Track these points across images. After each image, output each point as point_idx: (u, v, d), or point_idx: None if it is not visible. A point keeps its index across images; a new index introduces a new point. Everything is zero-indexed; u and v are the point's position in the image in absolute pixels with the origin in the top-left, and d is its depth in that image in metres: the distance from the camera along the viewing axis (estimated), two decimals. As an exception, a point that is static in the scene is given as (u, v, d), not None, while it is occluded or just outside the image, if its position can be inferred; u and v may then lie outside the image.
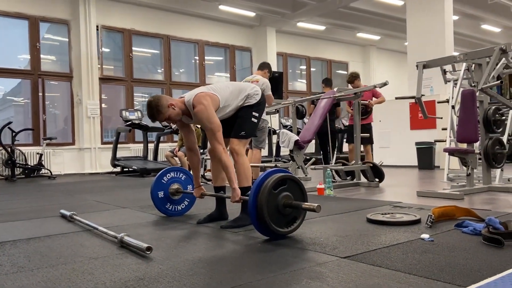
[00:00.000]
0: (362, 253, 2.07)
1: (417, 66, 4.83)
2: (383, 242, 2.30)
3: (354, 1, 10.93)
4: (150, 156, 10.03)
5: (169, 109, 2.83)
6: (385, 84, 5.49)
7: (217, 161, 3.12)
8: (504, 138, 5.19)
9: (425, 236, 2.35)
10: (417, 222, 2.79)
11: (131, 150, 10.43)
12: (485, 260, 1.90)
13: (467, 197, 4.17)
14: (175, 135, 10.41)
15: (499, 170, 4.96)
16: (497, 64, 4.81)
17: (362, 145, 6.59)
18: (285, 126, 10.80)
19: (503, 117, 4.61)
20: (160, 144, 10.21)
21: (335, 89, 5.58)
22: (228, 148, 3.01)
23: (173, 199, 3.45)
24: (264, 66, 5.69)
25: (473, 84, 6.15)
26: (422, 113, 4.98)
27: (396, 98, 5.95)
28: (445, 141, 6.28)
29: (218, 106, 2.89)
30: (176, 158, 7.40)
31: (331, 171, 4.63)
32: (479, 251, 2.06)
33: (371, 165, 5.41)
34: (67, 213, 3.40)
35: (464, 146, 4.93)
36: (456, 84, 6.24)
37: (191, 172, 3.41)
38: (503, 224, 2.31)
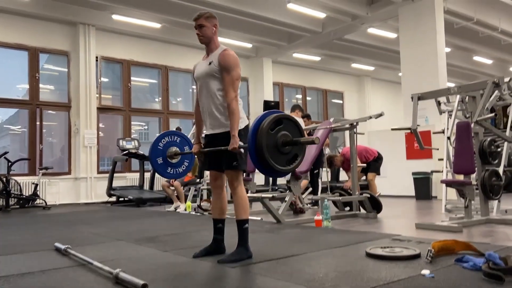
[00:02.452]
0: (362, 291, 2.05)
1: (412, 98, 4.90)
2: (383, 278, 2.27)
3: (348, 34, 11.16)
4: (146, 186, 9.97)
5: (213, 28, 2.97)
6: (380, 115, 5.56)
7: (218, 193, 3.11)
8: (500, 169, 5.21)
9: (426, 272, 2.33)
10: (417, 256, 2.76)
11: (127, 179, 10.37)
12: (487, 298, 1.88)
13: (466, 230, 4.15)
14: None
15: (496, 201, 4.96)
16: (490, 97, 4.89)
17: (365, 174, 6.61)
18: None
19: (499, 149, 4.64)
20: (156, 173, 10.16)
21: (331, 120, 5.63)
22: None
23: (173, 163, 3.47)
24: (295, 107, 6.58)
25: (467, 116, 6.23)
26: (418, 144, 5.02)
27: (392, 129, 6.01)
28: (441, 171, 6.31)
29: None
30: (172, 188, 7.35)
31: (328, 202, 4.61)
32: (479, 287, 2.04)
33: (369, 196, 5.40)
34: (62, 246, 3.35)
35: (461, 177, 4.94)
36: (451, 115, 6.32)
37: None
38: (503, 259, 2.30)
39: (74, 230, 4.91)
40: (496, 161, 4.71)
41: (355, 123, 5.36)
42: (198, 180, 7.48)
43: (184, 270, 2.72)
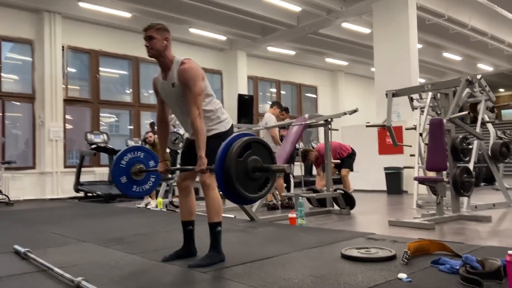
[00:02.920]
0: (339, 298, 1.96)
1: (386, 94, 4.88)
2: (360, 283, 2.19)
3: (323, 28, 11.13)
4: (116, 181, 9.68)
5: (164, 41, 2.75)
6: (355, 111, 5.53)
7: (185, 193, 2.97)
8: (471, 166, 5.28)
9: (403, 276, 2.27)
10: (392, 258, 2.71)
11: (95, 174, 10.05)
12: (466, 305, 1.83)
13: (438, 226, 4.17)
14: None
15: (466, 197, 5.01)
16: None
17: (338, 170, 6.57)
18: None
19: (470, 146, 4.68)
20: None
21: (306, 115, 5.56)
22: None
23: (138, 180, 3.26)
24: (273, 104, 6.58)
25: (438, 112, 6.30)
26: (392, 141, 5.01)
27: (367, 126, 6.02)
28: (413, 167, 6.36)
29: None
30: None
31: (302, 199, 4.54)
32: (458, 293, 1.99)
33: (343, 192, 5.37)
34: (22, 249, 3.13)
35: (432, 174, 4.97)
36: (423, 111, 6.36)
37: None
38: (480, 262, 2.26)
39: (37, 229, 4.66)
40: (467, 158, 4.74)
41: (329, 119, 5.30)
42: (169, 175, 7.29)
43: (153, 276, 2.58)
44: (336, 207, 5.54)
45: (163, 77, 2.83)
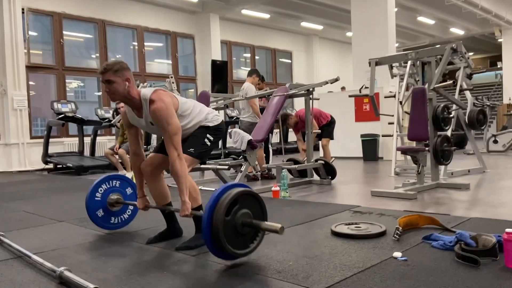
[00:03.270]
0: (340, 282, 1.90)
1: (369, 63, 4.77)
2: (356, 263, 2.14)
3: (299, -10, 10.81)
4: (87, 152, 9.36)
5: (126, 82, 2.48)
6: (336, 80, 5.42)
7: (153, 179, 2.79)
8: (448, 133, 5.31)
9: (398, 254, 2.23)
10: (383, 234, 2.68)
11: (64, 145, 9.68)
12: (467, 285, 1.80)
13: (419, 196, 4.19)
14: (115, 128, 9.80)
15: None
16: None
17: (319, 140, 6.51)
18: (231, 117, 10.55)
19: (451, 115, 4.68)
20: (98, 138, 9.56)
21: (287, 85, 5.40)
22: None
23: (116, 211, 3.10)
24: (252, 72, 6.37)
25: (417, 79, 6.28)
26: (374, 111, 4.94)
27: (350, 96, 5.95)
28: (392, 135, 6.37)
29: (176, 111, 2.58)
30: (117, 156, 6.90)
31: (286, 172, 4.46)
32: (456, 273, 1.96)
33: (324, 163, 5.32)
34: (-7, 233, 2.94)
35: (412, 144, 4.98)
36: (402, 78, 6.32)
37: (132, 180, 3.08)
38: (474, 238, 2.24)
39: (7, 208, 4.42)
40: (448, 127, 4.75)
41: (311, 89, 5.18)
42: (145, 146, 7.07)
43: (139, 260, 2.46)
44: (316, 177, 5.51)
45: (137, 114, 2.61)
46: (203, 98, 5.89)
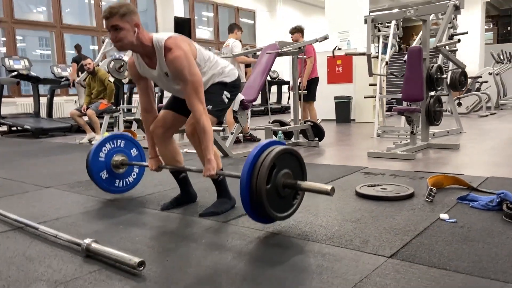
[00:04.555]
0: (403, 248, 1.78)
1: (365, 20, 4.60)
2: (405, 226, 2.04)
3: None
4: (43, 113, 8.66)
5: (135, 28, 2.13)
6: (325, 38, 5.21)
7: (165, 143, 2.51)
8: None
9: (445, 216, 2.15)
10: (412, 195, 2.60)
11: (17, 105, 8.88)
12: (537, 247, 1.74)
13: (416, 156, 4.18)
14: (72, 88, 9.11)
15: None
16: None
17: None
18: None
19: (444, 76, 4.65)
20: (55, 98, 8.86)
21: (276, 43, 5.12)
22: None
23: (121, 174, 2.81)
24: (233, 27, 5.98)
25: (398, 40, 6.21)
26: (368, 70, 4.81)
27: (346, 54, 5.78)
28: (374, 97, 6.34)
29: (195, 60, 2.27)
30: (85, 118, 6.38)
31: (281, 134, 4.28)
32: (515, 233, 1.90)
33: (312, 124, 5.19)
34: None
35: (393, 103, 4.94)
36: (386, 38, 6.23)
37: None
38: (516, 197, 2.20)
39: (-26, 174, 3.94)
40: (440, 87, 4.73)
41: (302, 47, 4.95)
42: (114, 107, 6.60)
43: (165, 229, 2.21)
44: (302, 138, 5.38)
45: (148, 63, 2.26)
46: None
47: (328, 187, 1.93)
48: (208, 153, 2.23)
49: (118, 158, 2.75)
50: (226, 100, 2.49)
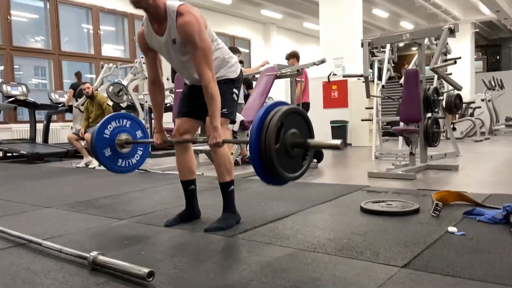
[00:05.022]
0: (414, 259, 1.76)
1: (362, 44, 4.70)
2: (415, 239, 2.02)
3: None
4: (39, 139, 8.62)
5: None
6: (323, 61, 5.30)
7: (182, 150, 2.53)
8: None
9: (453, 229, 2.14)
10: (417, 211, 2.58)
11: (13, 131, 8.85)
12: (550, 256, 1.73)
13: (417, 177, 4.19)
14: (69, 113, 9.11)
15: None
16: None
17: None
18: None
19: (440, 97, 4.72)
20: (51, 124, 8.85)
21: (274, 65, 5.21)
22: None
23: (124, 153, 2.79)
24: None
25: (393, 65, 6.34)
26: (366, 92, 4.88)
27: (344, 76, 5.87)
28: (371, 120, 6.40)
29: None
30: (82, 142, 6.35)
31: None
32: (526, 244, 1.89)
33: (311, 145, 5.21)
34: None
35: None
36: (381, 63, 6.35)
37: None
38: (522, 210, 2.20)
39: (-29, 196, 3.88)
40: (437, 109, 4.80)
41: (300, 70, 5.03)
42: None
43: (173, 244, 2.17)
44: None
45: (157, 30, 2.26)
46: (182, 82, 5.55)
47: (337, 141, 1.92)
48: (214, 120, 2.22)
49: (122, 137, 2.74)
50: (236, 97, 2.49)
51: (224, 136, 2.32)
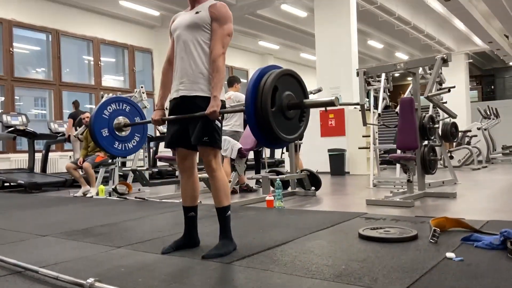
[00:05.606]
0: (413, 284, 1.76)
1: (357, 73, 4.79)
2: (413, 265, 2.02)
3: (262, 9, 10.88)
4: (37, 168, 8.62)
5: None
6: (319, 90, 5.40)
7: (187, 175, 2.55)
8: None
9: (451, 255, 2.13)
10: (415, 237, 2.58)
11: (11, 161, 8.87)
12: (548, 280, 1.73)
13: (415, 204, 4.19)
14: (68, 143, 9.16)
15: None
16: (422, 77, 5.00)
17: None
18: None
19: (436, 125, 4.78)
20: (50, 154, 8.86)
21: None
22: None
23: (121, 136, 2.80)
24: (233, 80, 6.03)
25: (388, 94, 6.43)
26: (362, 119, 4.94)
27: (340, 105, 5.93)
28: (368, 148, 6.44)
29: None
30: (81, 171, 6.36)
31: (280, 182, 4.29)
32: (524, 269, 1.89)
33: (309, 173, 5.23)
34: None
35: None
36: (377, 92, 6.44)
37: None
38: (519, 235, 2.21)
39: (-33, 225, 3.85)
40: (433, 137, 4.84)
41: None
42: (110, 160, 6.61)
43: (171, 271, 2.16)
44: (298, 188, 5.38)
45: (187, 10, 2.54)
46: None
47: (331, 98, 2.01)
48: (216, 90, 2.32)
49: (121, 120, 2.76)
50: (219, 125, 2.49)
51: (215, 158, 2.39)
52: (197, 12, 2.43)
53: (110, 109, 2.76)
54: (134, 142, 2.89)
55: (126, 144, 2.84)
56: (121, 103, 2.82)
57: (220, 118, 2.47)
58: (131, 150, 2.88)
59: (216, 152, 2.47)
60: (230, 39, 2.42)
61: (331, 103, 1.98)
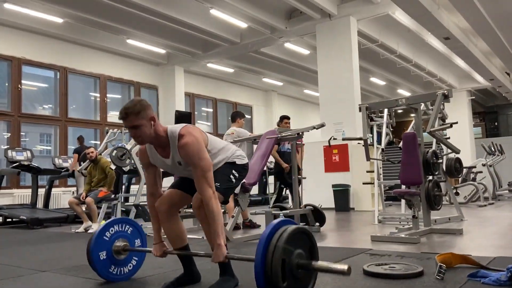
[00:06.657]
0: (420, 321, 1.70)
1: (360, 108, 4.84)
2: (420, 302, 1.96)
3: (265, 47, 11.13)
4: (40, 204, 8.59)
5: (151, 122, 2.27)
6: (322, 125, 5.42)
7: (168, 217, 2.50)
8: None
9: (458, 291, 2.08)
10: (421, 274, 2.52)
11: (15, 196, 8.87)
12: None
13: (422, 240, 4.11)
14: (71, 179, 9.17)
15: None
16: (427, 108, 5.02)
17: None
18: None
19: (440, 160, 4.77)
20: (53, 189, 8.86)
21: (275, 129, 5.32)
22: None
23: (119, 260, 2.71)
24: (236, 116, 6.11)
25: (391, 129, 6.46)
26: (366, 155, 4.94)
27: (343, 139, 5.98)
28: (372, 183, 6.40)
29: (206, 147, 2.37)
30: (83, 206, 6.33)
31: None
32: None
33: (313, 208, 5.18)
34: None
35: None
36: (380, 127, 6.47)
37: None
38: (527, 272, 2.15)
39: (-34, 260, 3.81)
40: (437, 172, 4.82)
41: (301, 133, 5.13)
42: (113, 195, 6.59)
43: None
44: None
45: (161, 153, 2.40)
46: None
47: (344, 266, 1.88)
48: (218, 238, 2.24)
49: (120, 243, 2.69)
50: (234, 180, 2.53)
51: (219, 207, 2.34)
52: (179, 163, 2.37)
53: (112, 230, 2.71)
54: (130, 266, 2.79)
55: (122, 268, 2.73)
56: (122, 225, 2.79)
57: (234, 176, 2.52)
58: (127, 275, 2.77)
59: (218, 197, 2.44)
60: (210, 169, 2.30)
61: (342, 272, 1.89)
